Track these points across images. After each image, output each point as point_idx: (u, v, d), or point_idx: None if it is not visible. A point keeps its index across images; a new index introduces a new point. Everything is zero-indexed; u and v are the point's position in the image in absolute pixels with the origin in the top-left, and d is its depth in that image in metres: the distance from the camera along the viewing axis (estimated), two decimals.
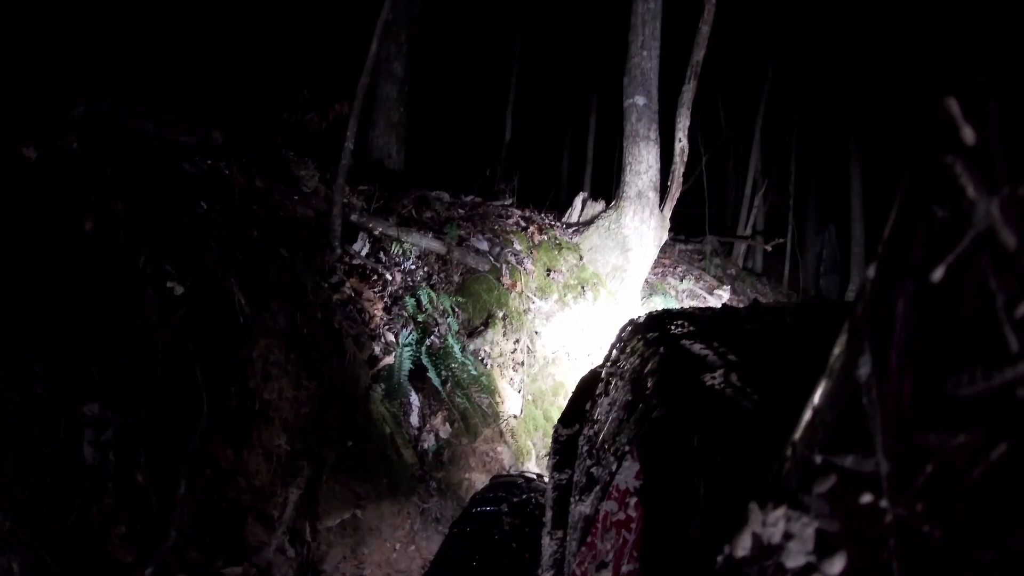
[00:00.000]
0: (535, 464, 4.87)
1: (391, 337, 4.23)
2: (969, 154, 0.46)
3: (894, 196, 0.54)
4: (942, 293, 0.46)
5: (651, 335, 1.53)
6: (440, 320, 4.55)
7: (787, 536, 0.56)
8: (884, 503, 0.47)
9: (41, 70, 3.99)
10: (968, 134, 0.46)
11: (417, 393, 4.17)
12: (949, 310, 0.45)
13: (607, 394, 1.64)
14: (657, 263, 8.41)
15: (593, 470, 1.49)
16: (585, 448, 1.66)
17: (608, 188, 12.96)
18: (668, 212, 6.74)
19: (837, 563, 0.49)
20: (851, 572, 0.48)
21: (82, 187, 3.03)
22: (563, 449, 2.32)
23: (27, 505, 2.66)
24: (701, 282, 9.23)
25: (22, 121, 3.26)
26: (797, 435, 0.60)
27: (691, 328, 1.50)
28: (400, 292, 4.55)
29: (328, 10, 7.73)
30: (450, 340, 4.43)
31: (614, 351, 1.77)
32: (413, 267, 4.79)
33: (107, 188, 3.08)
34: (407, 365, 4.06)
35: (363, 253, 4.55)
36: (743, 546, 0.64)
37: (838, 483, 0.51)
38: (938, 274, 0.46)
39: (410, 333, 4.29)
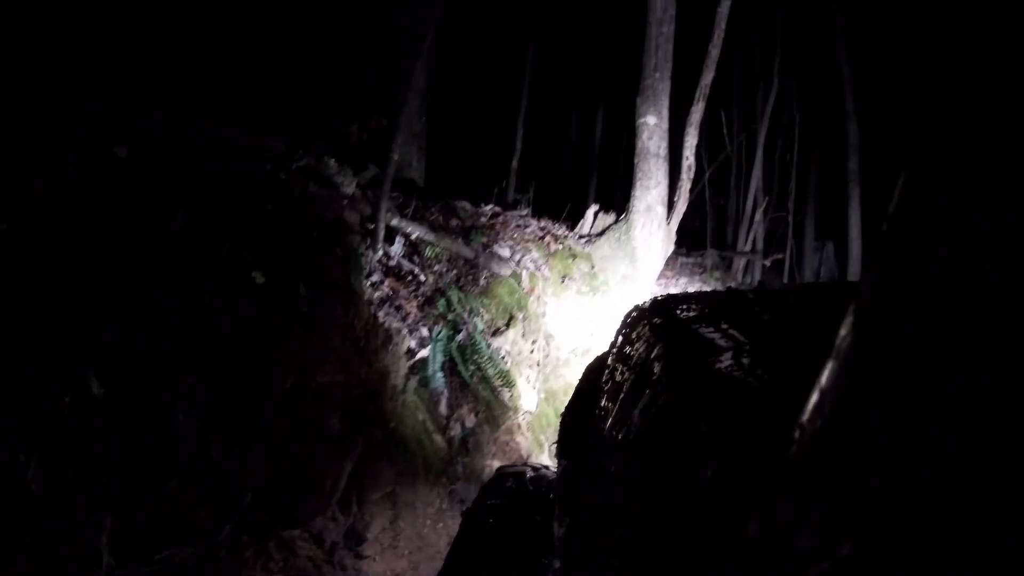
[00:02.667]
0: (547, 456, 5.24)
1: (425, 332, 4.62)
2: (971, 147, 0.47)
3: (896, 189, 0.54)
4: (943, 282, 0.46)
5: (657, 320, 1.58)
6: (467, 319, 4.94)
7: (796, 518, 0.55)
8: (890, 489, 0.47)
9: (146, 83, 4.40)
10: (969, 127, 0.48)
11: (447, 385, 4.56)
12: (950, 299, 0.46)
13: (613, 381, 1.69)
14: (661, 274, 8.75)
15: (600, 457, 1.54)
16: (592, 436, 1.71)
17: (612, 195, 13.31)
18: (674, 226, 7.15)
19: (845, 545, 0.48)
20: (859, 554, 0.47)
21: (170, 185, 3.43)
22: (570, 438, 2.21)
23: (120, 466, 3.04)
24: None
25: (111, 124, 3.66)
26: (805, 418, 0.59)
27: (698, 311, 1.54)
28: (432, 292, 4.94)
29: (355, 22, 8.10)
30: (477, 337, 4.82)
31: (619, 337, 1.82)
32: (444, 270, 5.19)
33: (195, 188, 3.48)
34: (440, 358, 4.46)
35: (400, 255, 4.95)
36: (752, 529, 0.64)
37: (846, 466, 0.51)
38: (939, 266, 0.47)
39: (441, 330, 4.68)
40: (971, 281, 0.44)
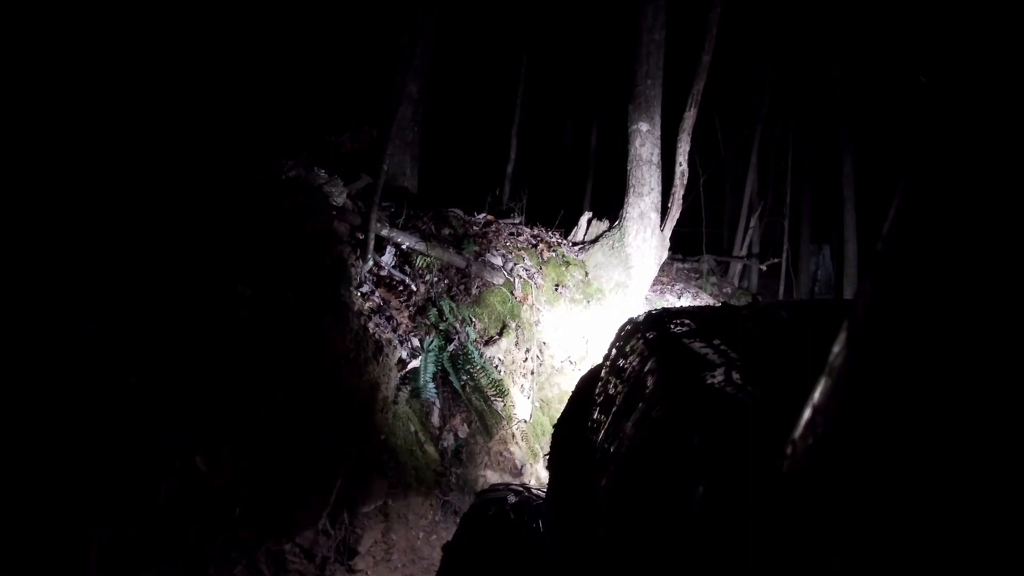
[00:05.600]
0: (542, 465, 5.21)
1: (416, 343, 4.60)
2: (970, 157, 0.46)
3: (894, 194, 0.54)
4: (944, 287, 0.46)
5: (651, 334, 1.61)
6: (459, 329, 4.92)
7: (788, 532, 0.56)
8: (883, 503, 0.46)
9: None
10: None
11: (439, 395, 4.54)
12: (949, 312, 0.45)
13: (606, 394, 1.71)
14: (656, 280, 8.76)
15: (593, 470, 1.53)
16: (584, 448, 1.70)
17: (607, 204, 13.30)
18: (668, 232, 7.15)
19: (836, 558, 0.48)
20: (851, 568, 0.47)
21: (154, 193, 3.42)
22: (563, 450, 2.21)
23: (109, 481, 3.01)
24: (698, 300, 9.57)
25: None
26: (797, 433, 0.60)
27: (691, 327, 1.56)
28: (423, 302, 4.93)
29: (349, 33, 8.11)
30: (469, 347, 4.80)
31: (613, 350, 1.85)
32: (435, 279, 5.17)
33: (180, 198, 3.47)
34: (432, 369, 4.44)
35: (391, 265, 4.94)
36: (746, 544, 0.65)
37: (838, 481, 0.51)
38: (940, 268, 0.46)
39: (433, 340, 4.66)
40: (970, 293, 0.44)
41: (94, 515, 2.95)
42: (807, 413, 0.59)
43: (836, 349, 0.57)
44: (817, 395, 0.58)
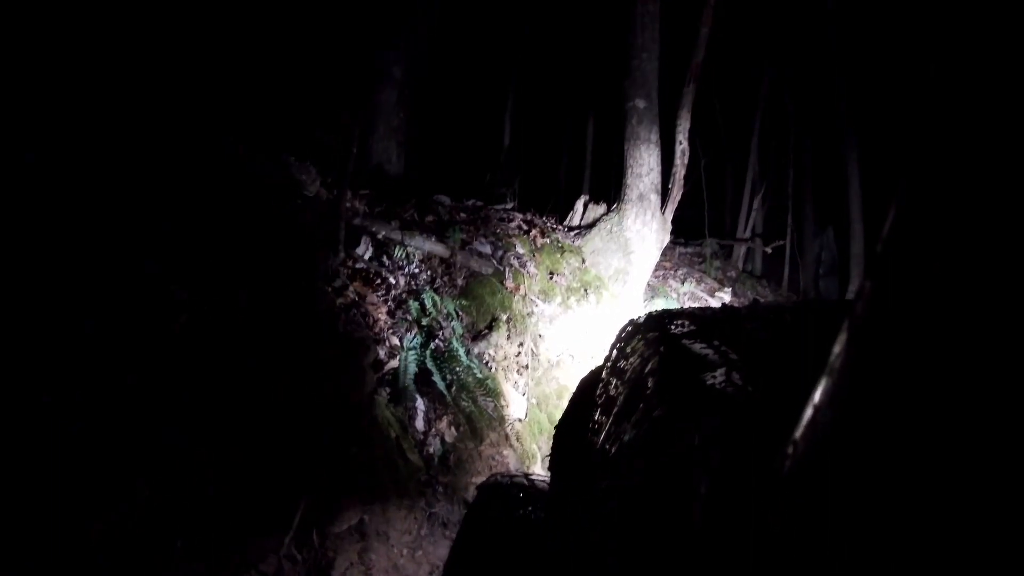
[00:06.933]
0: (540, 466, 4.85)
1: (396, 341, 4.21)
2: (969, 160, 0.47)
3: (893, 195, 0.53)
4: (944, 287, 0.45)
5: (651, 335, 1.62)
6: (444, 324, 4.53)
7: (790, 531, 0.56)
8: (885, 502, 0.45)
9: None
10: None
11: (422, 397, 4.14)
12: (953, 304, 0.44)
13: (607, 395, 1.71)
14: (658, 266, 8.39)
15: (595, 471, 1.54)
16: (586, 449, 1.71)
17: (607, 190, 12.93)
18: (669, 215, 6.75)
19: (839, 557, 0.49)
20: (853, 567, 0.47)
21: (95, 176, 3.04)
22: (564, 451, 2.20)
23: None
24: (702, 284, 9.22)
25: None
26: (798, 433, 0.60)
27: (692, 327, 1.56)
28: (404, 296, 4.52)
29: (327, 15, 7.73)
30: (454, 344, 4.40)
31: (614, 351, 1.87)
32: (416, 271, 4.77)
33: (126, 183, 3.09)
34: (412, 369, 4.03)
35: (366, 257, 4.54)
36: (748, 544, 0.65)
37: (840, 481, 0.51)
38: (940, 268, 0.45)
39: (414, 337, 4.26)
40: (970, 293, 0.43)
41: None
42: (808, 413, 0.59)
43: (837, 349, 0.57)
44: (818, 395, 0.58)
